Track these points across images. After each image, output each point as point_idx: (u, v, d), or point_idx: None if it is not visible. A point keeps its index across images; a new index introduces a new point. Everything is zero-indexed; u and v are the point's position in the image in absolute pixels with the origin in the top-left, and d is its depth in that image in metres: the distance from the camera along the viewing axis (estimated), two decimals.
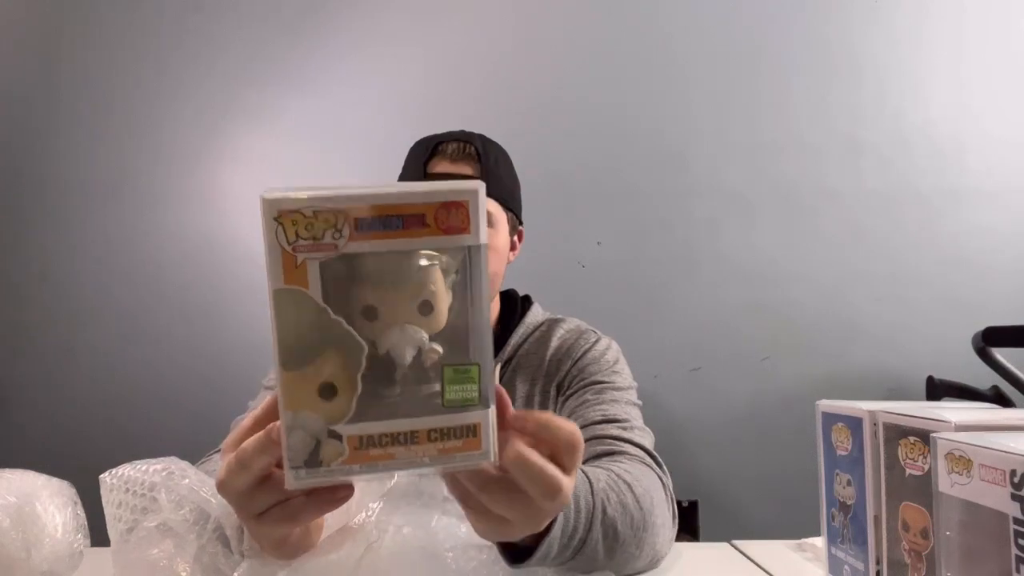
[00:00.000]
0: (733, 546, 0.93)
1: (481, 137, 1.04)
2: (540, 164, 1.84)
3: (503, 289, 1.12)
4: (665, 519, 0.78)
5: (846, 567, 0.73)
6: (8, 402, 1.91)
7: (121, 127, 1.94)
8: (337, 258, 0.38)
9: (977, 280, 1.95)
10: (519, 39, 1.97)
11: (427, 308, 0.40)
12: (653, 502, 0.75)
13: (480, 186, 0.40)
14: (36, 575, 0.64)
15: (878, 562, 0.68)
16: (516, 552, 0.59)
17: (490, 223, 1.00)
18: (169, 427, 1.87)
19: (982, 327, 1.61)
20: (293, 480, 0.41)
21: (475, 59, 1.96)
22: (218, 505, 0.57)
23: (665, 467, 0.85)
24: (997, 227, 1.96)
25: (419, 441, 0.41)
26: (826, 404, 0.76)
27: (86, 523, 0.70)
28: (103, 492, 0.60)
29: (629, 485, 0.73)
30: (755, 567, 0.84)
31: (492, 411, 0.42)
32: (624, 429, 0.89)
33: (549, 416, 0.46)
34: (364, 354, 0.40)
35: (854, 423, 0.71)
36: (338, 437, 0.40)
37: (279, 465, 0.44)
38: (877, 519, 0.68)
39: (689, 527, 1.70)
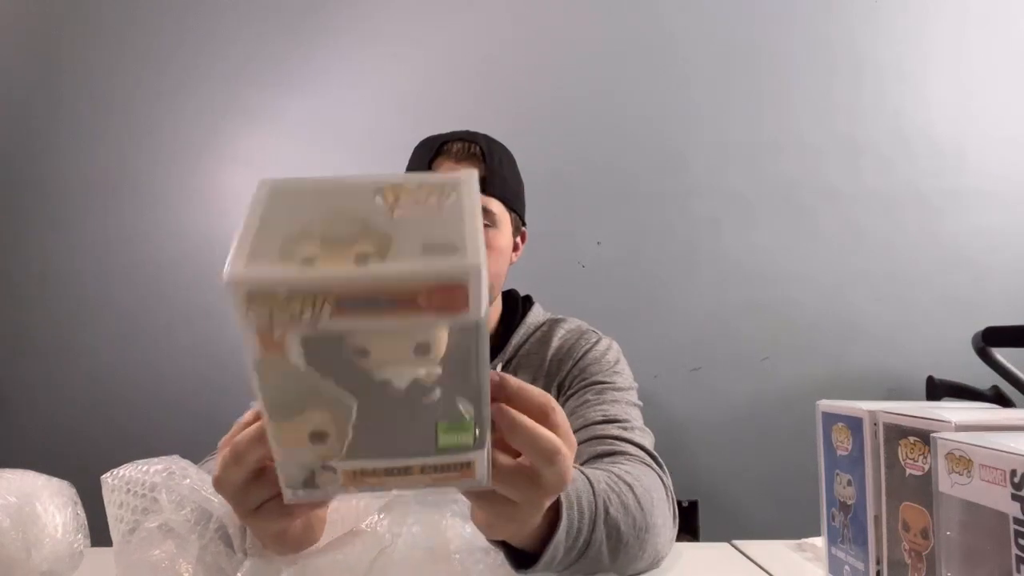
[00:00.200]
0: (733, 546, 0.93)
1: (486, 137, 1.04)
2: (540, 164, 1.83)
3: (504, 289, 1.12)
4: (666, 519, 0.78)
5: (846, 567, 0.73)
6: (8, 402, 1.91)
7: (121, 127, 1.94)
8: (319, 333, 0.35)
9: (977, 280, 1.95)
10: (519, 39, 1.97)
11: (423, 349, 0.37)
12: (654, 502, 0.75)
13: (482, 265, 0.33)
14: (36, 575, 0.64)
15: (878, 562, 0.68)
16: (521, 558, 0.59)
17: (493, 223, 1.00)
18: (169, 427, 1.87)
19: (982, 327, 1.61)
20: (290, 496, 0.42)
21: (475, 59, 1.96)
22: (220, 504, 0.57)
23: (665, 467, 0.85)
24: (997, 227, 1.96)
25: (413, 473, 0.42)
26: (826, 404, 0.76)
27: (86, 523, 0.70)
28: (105, 493, 0.60)
29: (630, 486, 0.73)
30: (755, 567, 0.84)
31: (487, 448, 0.42)
32: (624, 429, 0.89)
33: (519, 382, 0.45)
34: (355, 408, 0.38)
35: (854, 423, 0.71)
36: (332, 470, 0.41)
37: (273, 458, 0.44)
38: (877, 519, 0.68)
39: (689, 527, 1.71)
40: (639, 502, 0.72)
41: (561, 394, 1.01)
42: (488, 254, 1.05)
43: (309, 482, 0.41)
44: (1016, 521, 0.47)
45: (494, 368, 1.00)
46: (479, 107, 1.90)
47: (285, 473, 0.41)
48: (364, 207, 0.35)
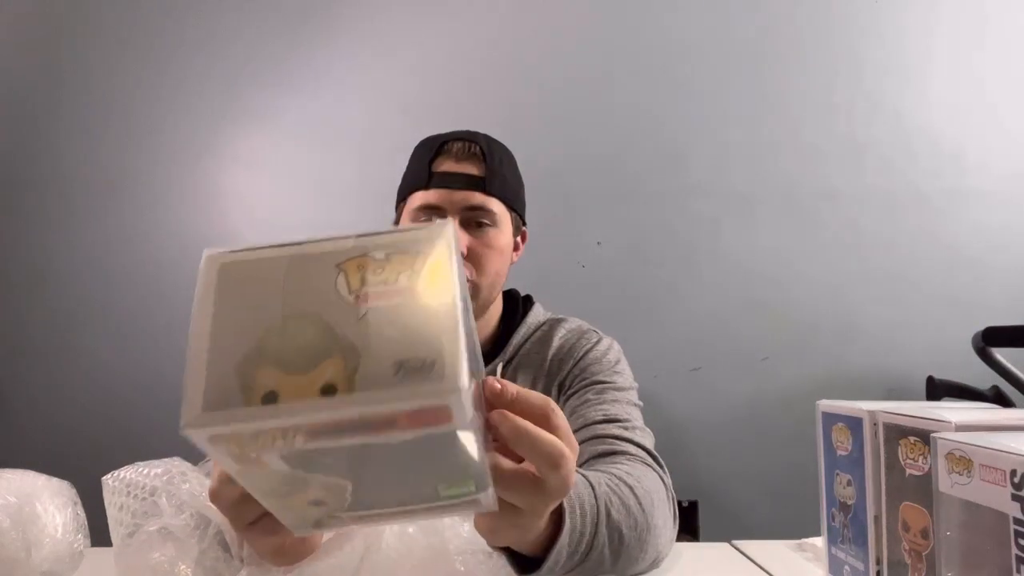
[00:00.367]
0: (733, 546, 0.93)
1: (486, 137, 1.04)
2: (540, 164, 1.83)
3: (505, 289, 1.12)
4: (666, 520, 0.78)
5: (846, 567, 0.73)
6: (8, 402, 1.91)
7: (121, 127, 1.94)
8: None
9: (977, 280, 1.95)
10: (519, 39, 1.97)
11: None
12: (655, 503, 0.74)
13: (464, 383, 0.30)
14: (36, 575, 0.64)
15: (878, 562, 0.68)
16: (524, 563, 0.59)
17: (494, 223, 1.00)
18: (169, 427, 1.82)
19: (982, 327, 1.61)
20: (296, 531, 0.43)
21: (475, 59, 1.96)
22: (217, 511, 0.57)
23: (666, 467, 0.85)
24: (997, 227, 1.96)
25: (419, 513, 0.44)
26: (826, 404, 0.76)
27: (86, 523, 0.70)
28: (105, 494, 0.60)
29: (631, 487, 0.73)
30: (755, 567, 0.84)
31: (491, 491, 0.42)
32: (625, 429, 0.89)
33: (518, 387, 0.45)
34: (350, 487, 0.37)
35: (854, 423, 0.71)
36: (338, 517, 0.41)
37: None
38: (877, 519, 0.68)
39: (689, 527, 1.70)
40: (640, 503, 0.72)
41: (561, 394, 1.01)
42: (488, 254, 1.05)
43: (316, 526, 0.42)
44: (1016, 521, 0.47)
45: (495, 368, 1.00)
46: (479, 107, 1.90)
47: (288, 522, 0.42)
48: (325, 300, 0.32)
